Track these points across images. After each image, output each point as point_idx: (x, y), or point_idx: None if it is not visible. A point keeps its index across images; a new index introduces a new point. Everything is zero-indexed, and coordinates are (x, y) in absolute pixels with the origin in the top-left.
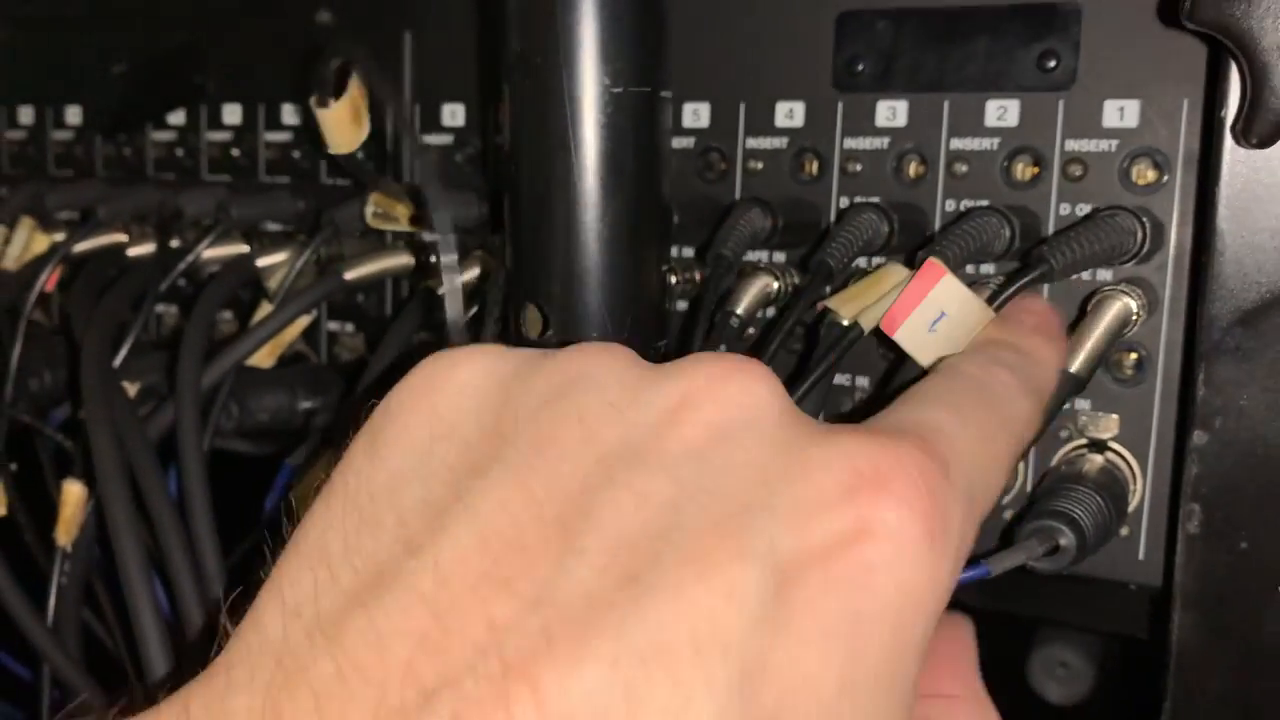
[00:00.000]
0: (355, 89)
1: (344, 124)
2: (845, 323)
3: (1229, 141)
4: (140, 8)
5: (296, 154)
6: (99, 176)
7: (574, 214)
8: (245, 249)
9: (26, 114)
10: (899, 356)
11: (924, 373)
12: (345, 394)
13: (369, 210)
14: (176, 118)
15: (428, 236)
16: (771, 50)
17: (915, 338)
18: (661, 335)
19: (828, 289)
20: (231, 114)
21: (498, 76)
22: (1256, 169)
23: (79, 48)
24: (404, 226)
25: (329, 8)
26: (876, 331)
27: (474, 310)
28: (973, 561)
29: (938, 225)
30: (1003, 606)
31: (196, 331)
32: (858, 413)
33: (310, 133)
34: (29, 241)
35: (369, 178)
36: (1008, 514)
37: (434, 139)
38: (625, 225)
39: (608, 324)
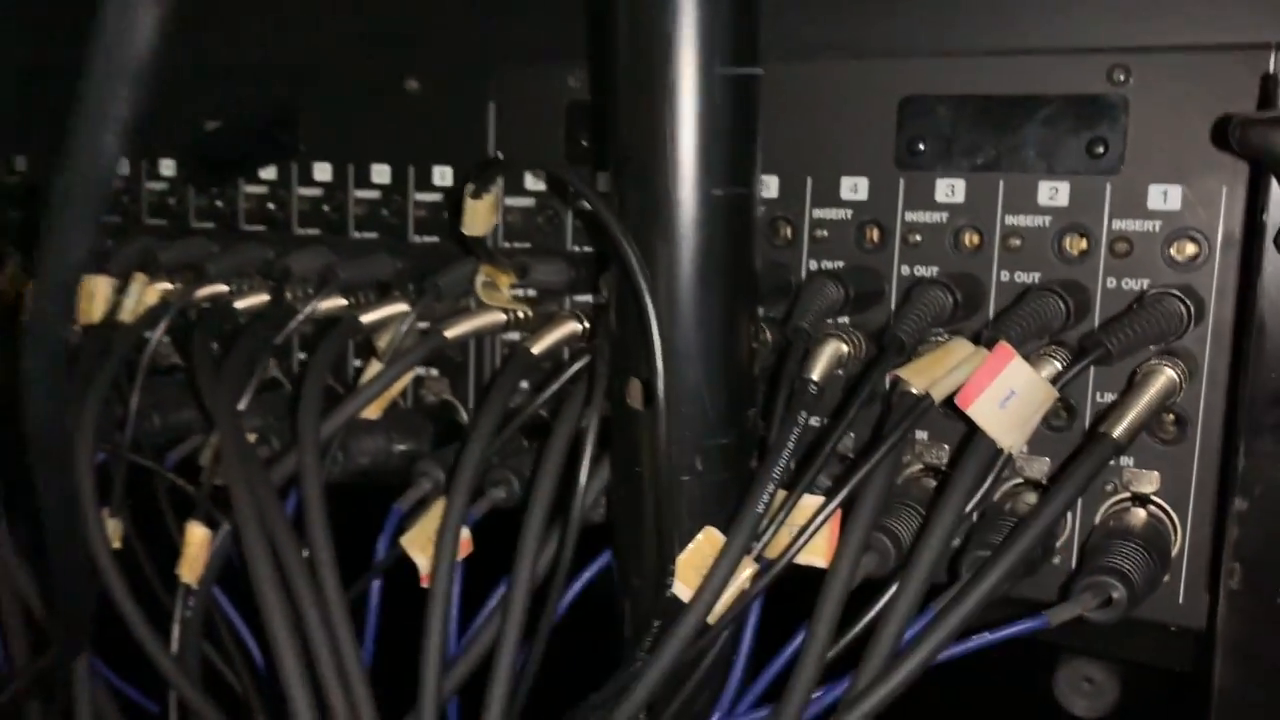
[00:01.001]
0: (498, 190)
1: (484, 214)
2: (917, 393)
3: (1270, 249)
4: (234, 67)
5: (385, 211)
6: (194, 228)
7: (675, 300)
8: (343, 302)
9: (122, 165)
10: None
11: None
12: (437, 437)
13: (479, 280)
14: (269, 173)
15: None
16: (837, 129)
17: (988, 413)
18: (751, 403)
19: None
20: (322, 171)
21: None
22: None
23: (174, 103)
24: (505, 295)
25: (416, 77)
26: (946, 400)
27: (564, 377)
28: (1034, 613)
29: (993, 295)
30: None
31: (314, 386)
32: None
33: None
34: (142, 295)
35: (486, 255)
36: (1057, 559)
37: (517, 201)
38: (720, 309)
39: (704, 397)
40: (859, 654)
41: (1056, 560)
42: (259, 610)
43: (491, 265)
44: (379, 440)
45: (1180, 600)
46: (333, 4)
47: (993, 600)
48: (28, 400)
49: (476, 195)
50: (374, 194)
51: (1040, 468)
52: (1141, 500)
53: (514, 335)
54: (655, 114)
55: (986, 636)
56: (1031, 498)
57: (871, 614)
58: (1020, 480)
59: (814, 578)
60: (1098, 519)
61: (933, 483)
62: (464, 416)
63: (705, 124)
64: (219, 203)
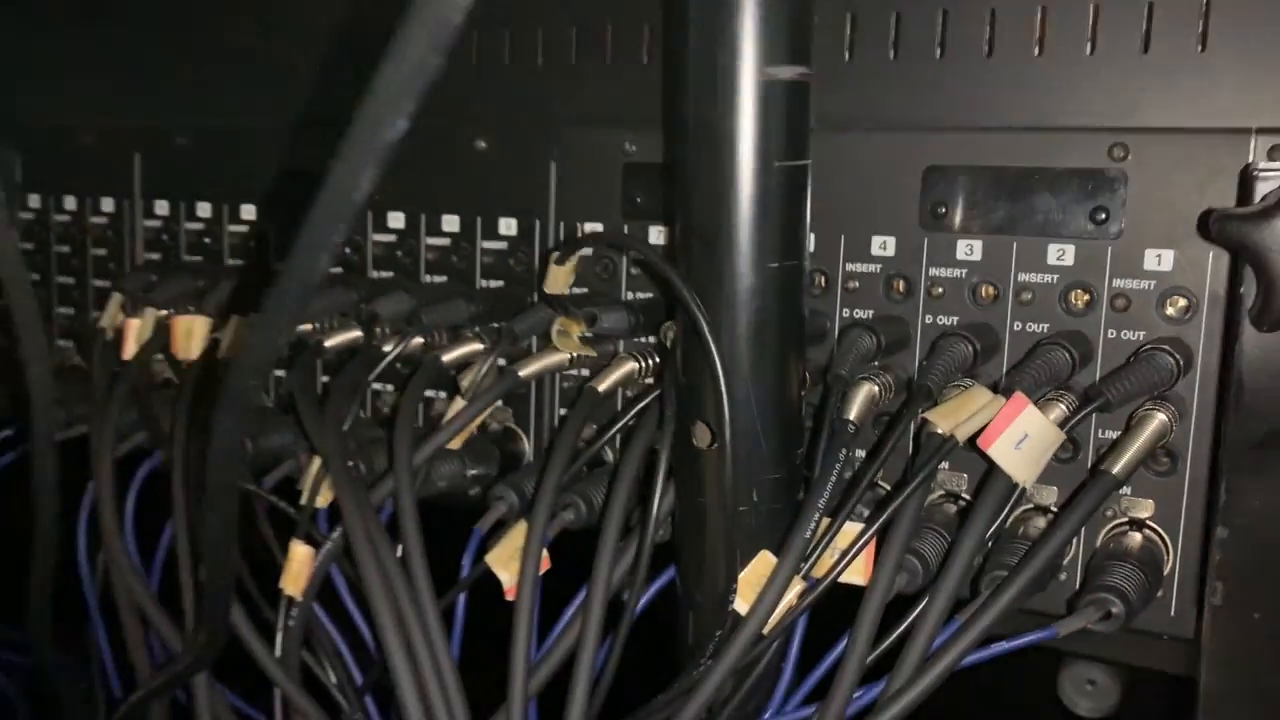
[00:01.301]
0: (579, 258)
1: (563, 277)
2: (943, 433)
3: (1245, 321)
4: (313, 120)
5: (454, 258)
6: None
7: (735, 356)
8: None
9: (204, 209)
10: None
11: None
12: (503, 462)
13: (555, 329)
14: None
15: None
16: (868, 194)
17: (1004, 453)
18: (799, 443)
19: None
20: (395, 220)
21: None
22: (1268, 346)
23: (255, 152)
24: (575, 342)
25: (484, 137)
26: (969, 441)
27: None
28: (1044, 625)
29: (1007, 342)
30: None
31: (407, 418)
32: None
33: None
34: (239, 334)
35: (560, 308)
36: (1063, 576)
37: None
38: (773, 363)
39: (760, 438)
40: (893, 659)
41: (1063, 577)
42: (370, 613)
43: (566, 317)
44: (455, 465)
45: (1172, 613)
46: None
47: (1009, 613)
48: (216, 449)
49: (560, 262)
50: (444, 241)
51: (1049, 496)
52: (1138, 525)
53: (573, 371)
54: (720, 199)
55: (1004, 645)
56: (1041, 522)
57: (904, 625)
58: (1031, 506)
59: (852, 596)
60: (1099, 541)
61: (953, 507)
62: (525, 442)
63: (761, 208)
64: None
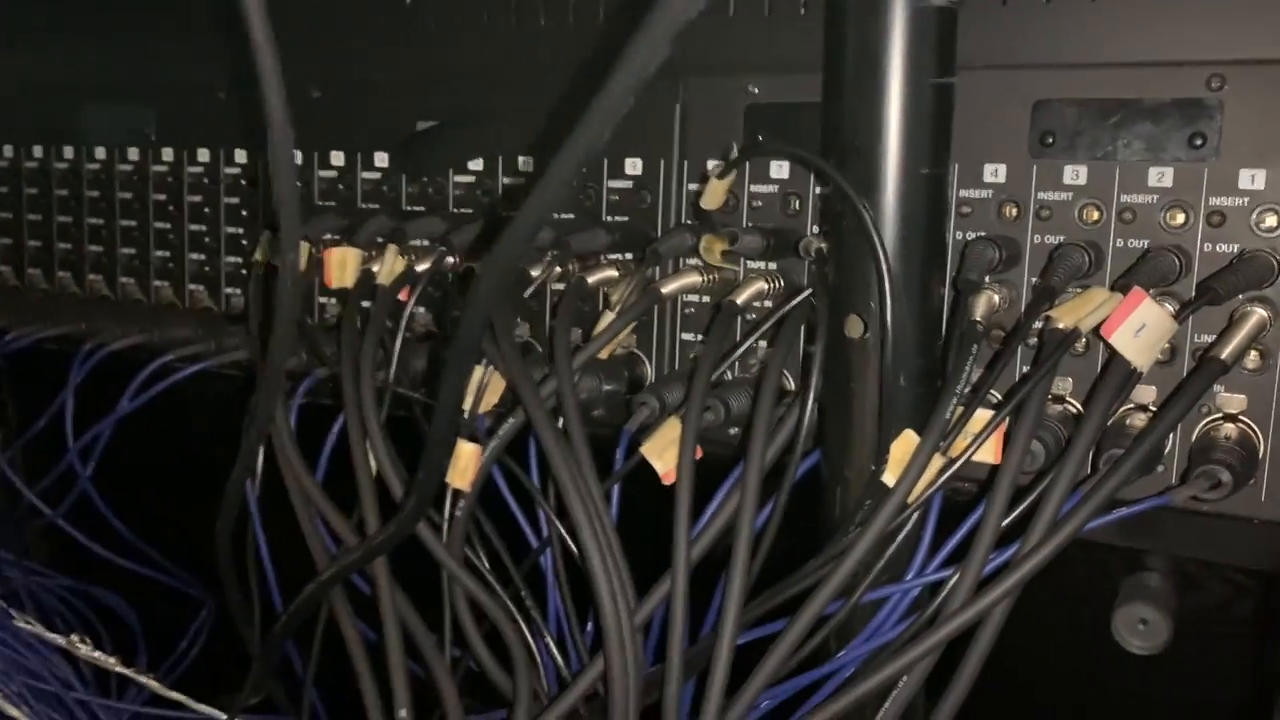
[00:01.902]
0: (731, 177)
1: (720, 193)
2: (1065, 328)
3: None
4: (447, 72)
5: (582, 196)
6: (405, 211)
7: (886, 252)
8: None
9: (338, 157)
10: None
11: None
12: (630, 382)
13: (702, 245)
14: (475, 165)
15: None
16: (981, 126)
17: (1125, 341)
18: (939, 335)
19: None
20: (526, 163)
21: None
22: None
23: (385, 103)
24: (718, 257)
25: None
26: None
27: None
28: (1160, 493)
29: (1110, 258)
30: (1144, 545)
31: (564, 330)
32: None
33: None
34: (393, 263)
35: (708, 225)
36: (1161, 468)
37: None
38: (921, 259)
39: (908, 329)
40: (1021, 529)
41: (1161, 469)
42: (558, 487)
43: (712, 234)
44: (593, 380)
45: (1263, 498)
46: (539, 29)
47: (1125, 486)
48: (469, 316)
49: (720, 176)
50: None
51: (1149, 394)
52: (1231, 419)
53: (694, 299)
54: (877, 112)
55: (1125, 510)
56: (1141, 418)
57: (1036, 493)
58: (1132, 405)
59: None
60: (1194, 436)
61: (1058, 407)
62: (648, 366)
63: (915, 119)
64: (430, 190)
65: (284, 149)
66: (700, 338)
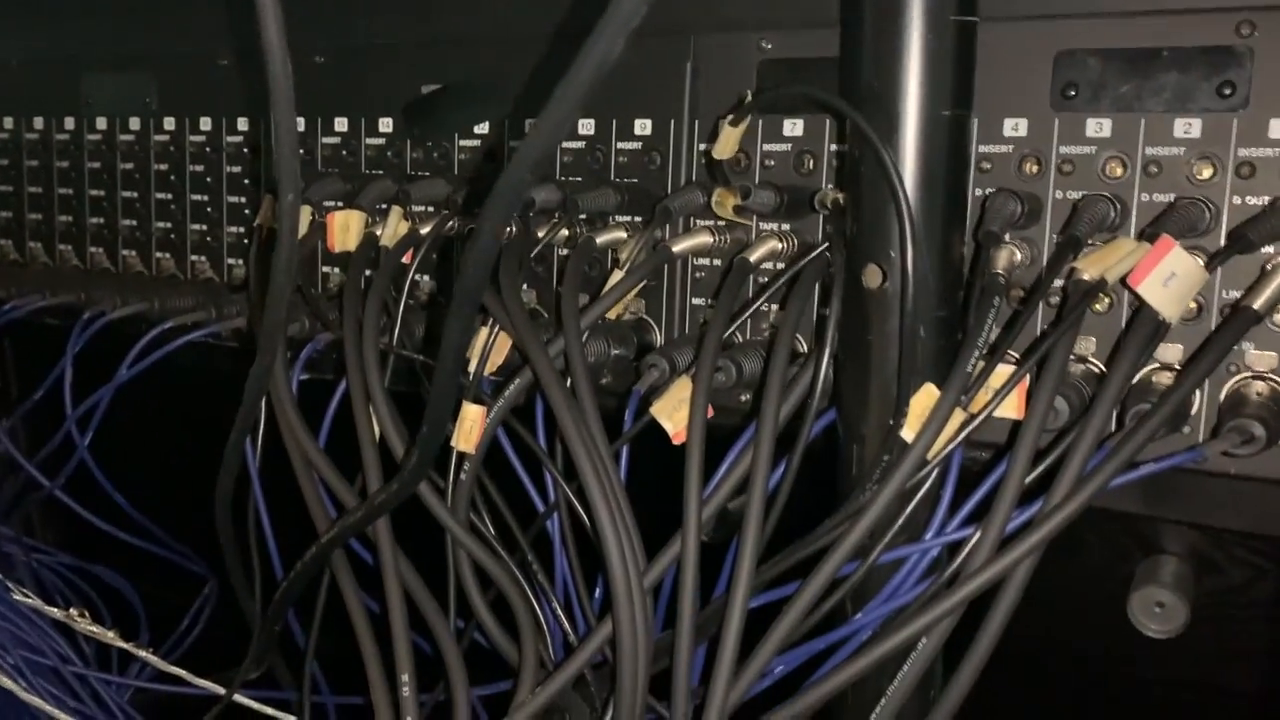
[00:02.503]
0: (745, 124)
1: (733, 141)
2: (1090, 279)
3: None
4: (451, 37)
5: (589, 159)
6: (411, 175)
7: (898, 197)
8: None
9: (341, 123)
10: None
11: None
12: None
13: (714, 197)
14: (482, 129)
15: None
16: (1000, 79)
17: (1153, 290)
18: (960, 286)
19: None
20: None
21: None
22: None
23: (390, 69)
24: (729, 214)
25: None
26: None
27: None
28: (1191, 449)
29: (1134, 212)
30: (1165, 513)
31: (572, 288)
32: None
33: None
34: (397, 225)
35: (721, 176)
36: (1187, 429)
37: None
38: (942, 207)
39: (930, 280)
40: (1043, 488)
41: (1187, 430)
42: (567, 447)
43: (724, 188)
44: (601, 344)
45: None
46: None
47: (1152, 442)
48: (471, 260)
49: (734, 124)
50: (580, 144)
51: (1174, 353)
52: (1260, 377)
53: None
54: (897, 51)
55: (1152, 466)
56: (1167, 376)
57: (1061, 449)
58: (1158, 364)
59: None
60: (1223, 394)
61: (1081, 366)
62: (657, 332)
63: (936, 59)
64: (435, 155)
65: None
66: (710, 303)
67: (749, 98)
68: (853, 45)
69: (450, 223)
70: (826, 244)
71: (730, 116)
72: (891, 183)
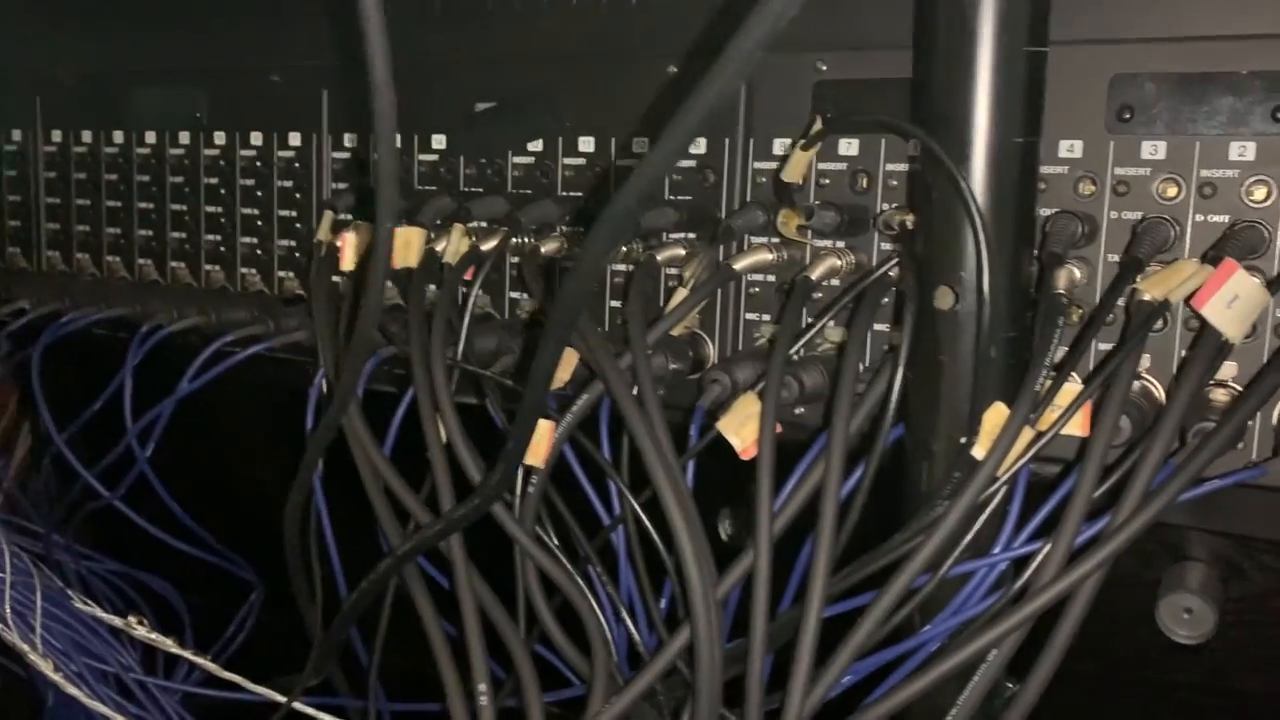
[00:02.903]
0: (815, 150)
1: (802, 165)
2: (1153, 300)
3: None
4: (505, 54)
5: None
6: (463, 192)
7: (975, 222)
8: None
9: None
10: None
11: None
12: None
13: (779, 219)
14: (535, 145)
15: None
16: (1056, 101)
17: (1217, 312)
18: (1028, 307)
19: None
20: (586, 144)
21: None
22: None
23: (443, 86)
24: (793, 233)
25: (676, 64)
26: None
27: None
28: (1254, 465)
29: (1189, 234)
30: (1216, 527)
31: (637, 307)
32: None
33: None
34: (459, 243)
35: (787, 198)
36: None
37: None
38: (1013, 230)
39: (1001, 301)
40: (1109, 503)
41: (1240, 446)
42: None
43: (789, 208)
44: (661, 359)
45: None
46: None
47: (1215, 458)
48: (544, 344)
49: (805, 148)
50: (633, 162)
51: (1230, 370)
52: None
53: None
54: (970, 80)
55: (1216, 482)
56: (1222, 394)
57: (1128, 465)
58: (1212, 382)
59: None
60: (1276, 415)
61: (1137, 383)
62: (710, 346)
63: (1008, 87)
64: (489, 171)
65: (387, 121)
66: (764, 317)
67: (818, 123)
68: (926, 73)
69: (513, 239)
70: (893, 262)
71: (802, 141)
72: (968, 208)
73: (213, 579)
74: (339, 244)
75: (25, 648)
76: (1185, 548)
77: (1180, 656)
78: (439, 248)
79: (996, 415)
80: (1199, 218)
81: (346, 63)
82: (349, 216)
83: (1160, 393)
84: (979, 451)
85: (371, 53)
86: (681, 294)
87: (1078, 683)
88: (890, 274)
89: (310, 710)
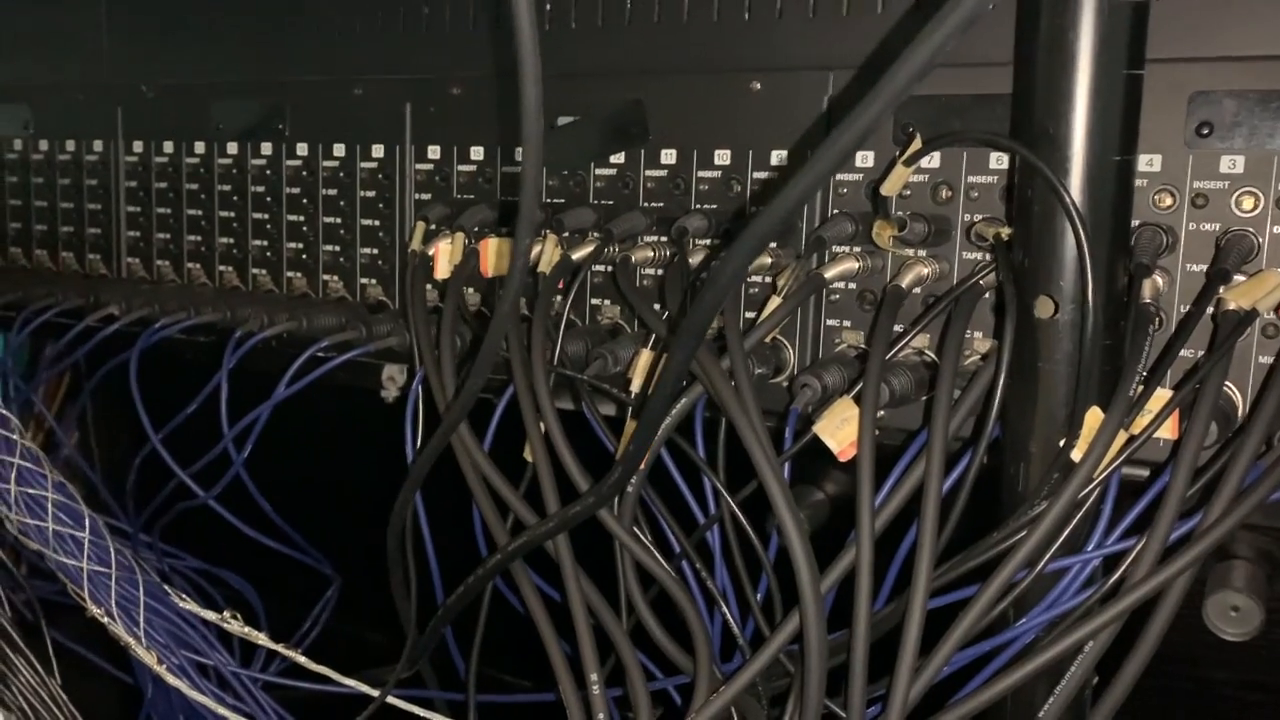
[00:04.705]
0: (915, 166)
1: (901, 179)
2: (1238, 309)
3: None
4: (587, 68)
5: (724, 188)
6: (548, 203)
7: (1079, 235)
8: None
9: (477, 152)
10: None
11: None
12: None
13: (874, 230)
14: (618, 158)
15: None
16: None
17: None
18: (1123, 316)
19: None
20: (668, 156)
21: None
22: None
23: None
24: (886, 244)
25: (758, 79)
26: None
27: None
28: None
29: (1266, 246)
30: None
31: (735, 315)
32: None
33: None
34: (552, 252)
35: (884, 209)
36: None
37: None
38: (1109, 242)
39: (1100, 312)
40: (1200, 503)
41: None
42: (739, 432)
43: (885, 219)
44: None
45: None
46: (686, 32)
47: None
48: (670, 363)
49: (906, 164)
50: (715, 174)
51: None
52: None
53: (840, 286)
54: (1069, 100)
55: None
56: None
57: (1218, 466)
58: None
59: None
60: None
61: None
62: (790, 351)
63: (1106, 108)
64: (572, 183)
65: (534, 142)
66: (845, 323)
67: (918, 140)
68: (1027, 91)
69: (606, 249)
70: (985, 271)
71: (904, 156)
72: (1072, 222)
73: (280, 577)
74: (432, 254)
75: (130, 640)
76: (1231, 546)
77: (1227, 653)
78: (530, 257)
79: (1093, 419)
80: (1276, 230)
81: (428, 78)
82: (435, 226)
83: (1237, 396)
84: (1077, 453)
85: (525, 82)
86: (775, 301)
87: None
88: (981, 282)
89: (401, 703)
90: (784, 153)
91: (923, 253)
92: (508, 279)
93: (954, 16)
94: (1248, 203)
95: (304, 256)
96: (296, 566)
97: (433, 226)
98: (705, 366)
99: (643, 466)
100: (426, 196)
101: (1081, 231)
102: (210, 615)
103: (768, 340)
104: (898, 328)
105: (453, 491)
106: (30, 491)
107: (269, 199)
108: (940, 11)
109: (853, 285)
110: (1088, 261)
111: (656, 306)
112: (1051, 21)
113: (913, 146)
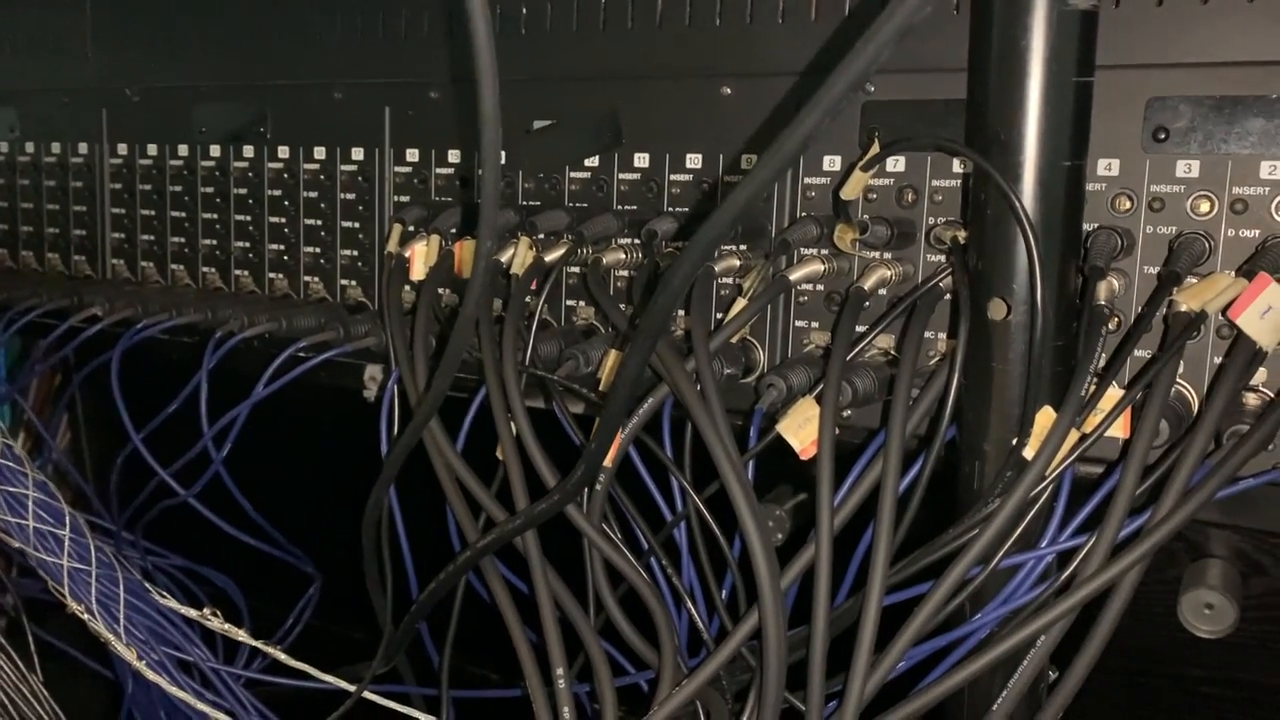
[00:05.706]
0: (873, 170)
1: (860, 184)
2: (1189, 310)
3: None
4: (562, 74)
5: (696, 191)
6: (521, 205)
7: (1028, 239)
8: None
9: (455, 155)
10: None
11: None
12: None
13: (835, 233)
14: (592, 161)
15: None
16: (1095, 121)
17: (1251, 322)
18: (1075, 318)
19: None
20: (641, 160)
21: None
22: None
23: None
24: (848, 247)
25: (729, 85)
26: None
27: (901, 307)
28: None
29: (1221, 248)
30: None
31: (701, 315)
32: None
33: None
34: (525, 254)
35: (844, 213)
36: (1271, 446)
37: (879, 182)
38: (1060, 245)
39: (1051, 312)
40: (1149, 501)
41: (1271, 447)
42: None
43: (846, 223)
44: (717, 364)
45: None
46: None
47: (1249, 459)
48: (628, 363)
49: (864, 169)
50: (686, 177)
51: (1261, 377)
52: None
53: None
54: (1020, 107)
55: (1251, 480)
56: (1253, 398)
57: (1168, 464)
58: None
59: None
60: None
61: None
62: (761, 352)
63: (1057, 114)
64: (547, 185)
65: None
66: (813, 324)
67: (876, 145)
68: (980, 98)
69: (579, 251)
70: (944, 273)
71: (862, 161)
72: (1022, 226)
73: (264, 575)
74: (408, 255)
75: (110, 636)
76: (1206, 545)
77: (1202, 650)
78: (503, 259)
79: (1045, 418)
80: (1230, 233)
81: (407, 82)
82: (412, 228)
83: (1193, 396)
84: (1029, 452)
85: (483, 90)
86: (740, 303)
87: (1102, 677)
88: (941, 284)
89: (379, 699)
90: (754, 156)
91: (887, 255)
92: (470, 281)
93: (889, 26)
94: (1204, 206)
95: (285, 258)
96: (280, 565)
97: (409, 228)
98: (669, 366)
99: (609, 464)
100: (405, 199)
101: (1031, 235)
102: (190, 612)
103: (736, 341)
104: (861, 328)
105: (428, 489)
106: (11, 490)
107: (251, 201)
108: (875, 22)
109: (820, 287)
110: (1037, 265)
111: (624, 307)
112: (1003, 29)
113: (870, 152)
